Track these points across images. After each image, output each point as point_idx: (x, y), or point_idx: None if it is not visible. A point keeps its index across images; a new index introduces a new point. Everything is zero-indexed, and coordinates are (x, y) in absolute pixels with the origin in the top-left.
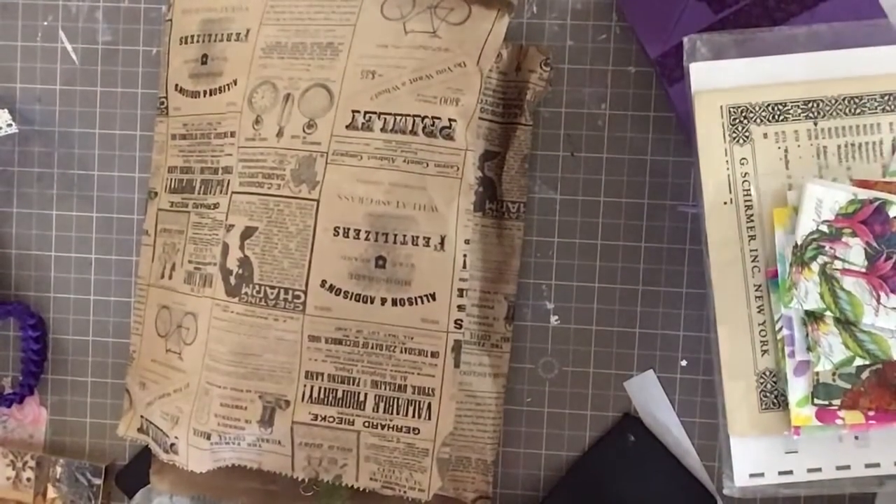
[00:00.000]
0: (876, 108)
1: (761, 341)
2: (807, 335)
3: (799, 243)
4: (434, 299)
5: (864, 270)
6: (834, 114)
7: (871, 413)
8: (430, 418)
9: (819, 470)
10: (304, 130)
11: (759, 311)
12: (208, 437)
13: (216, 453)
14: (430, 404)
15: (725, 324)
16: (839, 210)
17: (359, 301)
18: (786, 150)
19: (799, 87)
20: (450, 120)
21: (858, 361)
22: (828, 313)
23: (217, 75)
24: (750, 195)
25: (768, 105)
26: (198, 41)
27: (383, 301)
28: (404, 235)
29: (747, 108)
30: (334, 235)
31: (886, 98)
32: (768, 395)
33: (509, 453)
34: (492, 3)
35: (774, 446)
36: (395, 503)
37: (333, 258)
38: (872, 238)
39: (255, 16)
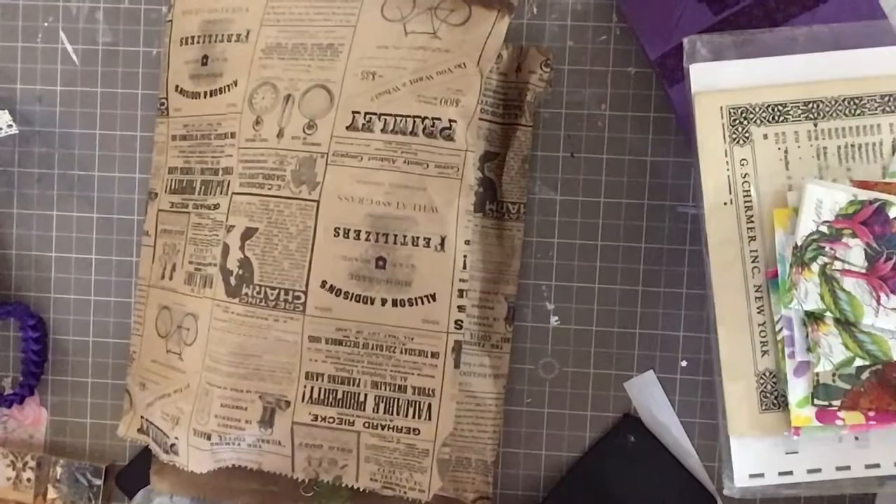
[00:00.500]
0: (876, 109)
1: (761, 342)
2: (807, 336)
3: (799, 244)
4: (434, 300)
5: (864, 271)
6: (834, 115)
7: (871, 413)
8: (430, 419)
9: (819, 470)
10: (304, 131)
11: (759, 312)
12: (208, 438)
13: (216, 454)
14: (430, 405)
15: (725, 324)
16: (839, 211)
17: (359, 302)
18: (786, 151)
19: (799, 88)
20: (450, 121)
21: (858, 362)
22: (828, 314)
23: (217, 76)
24: (750, 196)
25: (768, 106)
26: (198, 42)
27: (383, 302)
28: (404, 236)
29: (747, 109)
30: (334, 236)
31: (886, 99)
32: (768, 395)
33: (509, 454)
34: (492, 4)
35: (774, 447)
36: None
37: (334, 259)
38: (872, 239)
39: (255, 17)
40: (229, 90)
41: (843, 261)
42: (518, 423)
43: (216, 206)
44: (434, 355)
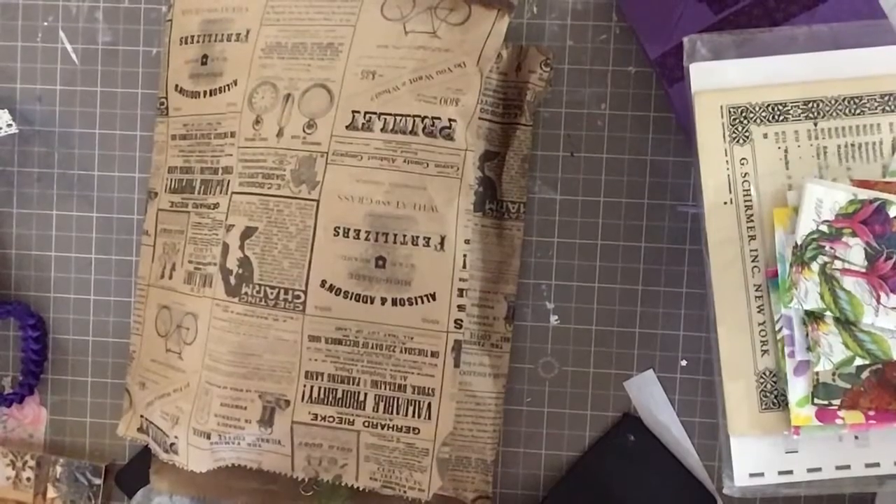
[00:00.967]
0: (876, 109)
1: (761, 341)
2: (807, 335)
3: (799, 243)
4: (434, 299)
5: (864, 270)
6: (834, 114)
7: (871, 413)
8: (430, 418)
9: (819, 470)
10: (304, 130)
11: (759, 311)
12: (208, 437)
13: (216, 453)
14: (430, 404)
15: (725, 324)
16: (839, 210)
17: (359, 301)
18: (786, 151)
19: (799, 88)
20: (450, 120)
21: (858, 361)
22: (828, 313)
23: (217, 75)
24: (750, 195)
25: (768, 105)
26: (198, 41)
27: (383, 301)
28: (404, 235)
29: (747, 109)
30: (334, 235)
31: (886, 98)
32: (768, 394)
33: (509, 453)
34: (492, 4)
35: (774, 446)
36: (395, 503)
37: (333, 258)
38: (872, 238)
39: (255, 16)
40: (229, 89)
41: (843, 260)
42: (518, 422)
43: (216, 206)
44: (434, 354)
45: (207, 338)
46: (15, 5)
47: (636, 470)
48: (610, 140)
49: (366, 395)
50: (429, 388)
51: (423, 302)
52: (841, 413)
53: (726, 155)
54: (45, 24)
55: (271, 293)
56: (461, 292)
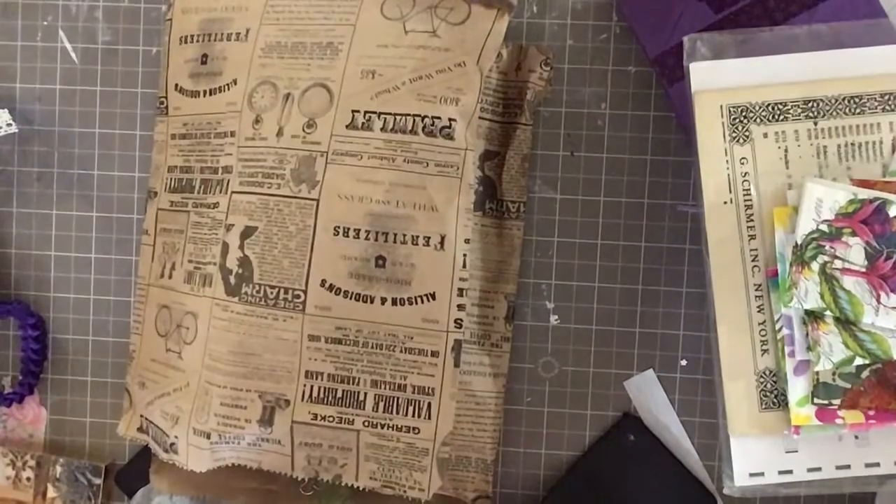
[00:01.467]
0: (876, 108)
1: (761, 341)
2: (807, 335)
3: (799, 243)
4: (434, 299)
5: (864, 270)
6: (834, 113)
7: (871, 413)
8: (429, 418)
9: (819, 469)
10: (303, 130)
11: (758, 311)
12: (208, 437)
13: (216, 453)
14: (429, 404)
15: (725, 323)
16: (839, 209)
17: (359, 300)
18: (786, 150)
19: (799, 87)
20: (450, 119)
21: (858, 361)
22: (828, 313)
23: (217, 75)
24: (750, 195)
25: (768, 105)
26: (198, 41)
27: (383, 300)
28: (404, 235)
29: (747, 108)
30: (334, 235)
31: (886, 98)
32: (768, 394)
33: (509, 453)
34: (492, 3)
35: (774, 446)
36: (395, 502)
37: (333, 258)
38: (872, 237)
39: (254, 15)
40: (229, 89)
41: (843, 259)
42: (518, 421)
43: (216, 205)
44: (434, 354)
45: (207, 337)
46: (15, 5)
47: (636, 470)
48: (610, 139)
49: (366, 394)
50: (429, 388)
51: (423, 301)
52: (841, 413)
53: (726, 154)
54: (45, 23)
55: (271, 293)
56: (461, 292)
